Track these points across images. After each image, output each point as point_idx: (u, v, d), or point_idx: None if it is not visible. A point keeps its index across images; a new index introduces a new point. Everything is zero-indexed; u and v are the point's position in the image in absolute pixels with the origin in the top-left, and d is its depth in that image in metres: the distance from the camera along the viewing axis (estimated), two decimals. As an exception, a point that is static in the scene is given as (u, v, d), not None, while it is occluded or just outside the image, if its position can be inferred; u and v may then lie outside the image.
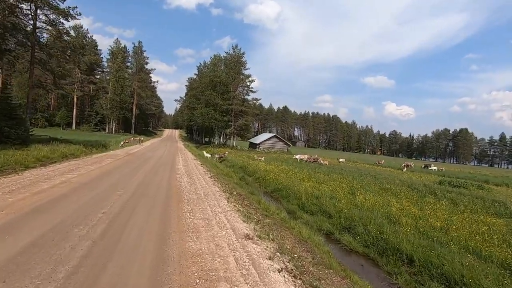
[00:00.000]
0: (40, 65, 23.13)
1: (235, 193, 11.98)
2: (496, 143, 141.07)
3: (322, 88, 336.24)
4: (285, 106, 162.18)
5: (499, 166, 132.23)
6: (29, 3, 20.77)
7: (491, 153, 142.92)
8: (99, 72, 71.36)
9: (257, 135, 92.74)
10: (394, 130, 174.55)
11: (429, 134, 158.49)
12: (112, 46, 67.10)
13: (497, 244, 7.58)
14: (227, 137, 56.33)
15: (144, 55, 72.41)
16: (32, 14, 21.78)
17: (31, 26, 22.05)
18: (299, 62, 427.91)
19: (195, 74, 70.25)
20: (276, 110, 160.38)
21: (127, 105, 63.11)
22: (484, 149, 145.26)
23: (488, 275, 5.78)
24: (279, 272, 4.65)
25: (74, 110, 60.60)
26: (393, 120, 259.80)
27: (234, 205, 9.19)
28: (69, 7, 22.18)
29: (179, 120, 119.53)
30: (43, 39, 24.11)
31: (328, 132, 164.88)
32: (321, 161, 33.18)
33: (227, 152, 29.02)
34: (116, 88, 59.35)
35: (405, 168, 39.17)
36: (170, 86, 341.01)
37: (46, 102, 59.62)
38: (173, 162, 19.10)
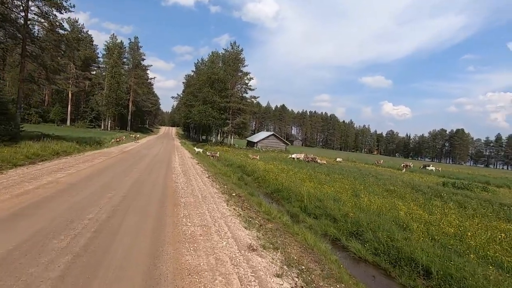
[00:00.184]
0: (31, 59, 22.23)
1: (234, 194, 11.37)
2: (492, 144, 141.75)
3: (321, 87, 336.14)
4: (283, 105, 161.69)
5: (495, 167, 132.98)
6: (19, -7, 19.90)
7: (487, 153, 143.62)
8: (95, 68, 70.08)
9: (254, 133, 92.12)
10: (391, 130, 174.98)
11: (426, 134, 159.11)
12: (108, 41, 66.03)
13: (518, 253, 7.05)
14: (225, 135, 55.60)
15: (141, 51, 71.33)
16: (24, 5, 20.91)
17: (22, 18, 21.18)
18: (298, 61, 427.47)
19: (192, 71, 69.38)
20: (273, 109, 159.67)
21: (123, 101, 62.04)
22: (480, 150, 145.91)
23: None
24: (289, 292, 4.05)
25: (69, 106, 59.43)
26: (390, 120, 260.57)
27: (234, 209, 8.58)
28: (62, -2, 21.32)
29: (176, 118, 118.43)
30: (35, 32, 23.28)
31: (326, 131, 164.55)
32: (319, 160, 32.50)
33: (218, 153, 28.56)
34: (112, 84, 58.29)
35: (404, 169, 38.79)
36: (168, 84, 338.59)
37: (40, 97, 58.29)
38: (169, 161, 18.42)
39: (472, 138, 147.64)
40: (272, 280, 4.24)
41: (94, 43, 69.00)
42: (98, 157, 16.46)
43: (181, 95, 79.07)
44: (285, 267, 4.93)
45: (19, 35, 21.34)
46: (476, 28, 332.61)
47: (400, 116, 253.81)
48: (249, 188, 15.08)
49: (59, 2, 21.36)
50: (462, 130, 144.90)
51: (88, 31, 68.31)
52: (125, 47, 68.63)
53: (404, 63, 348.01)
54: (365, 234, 8.44)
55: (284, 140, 63.52)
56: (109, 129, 60.67)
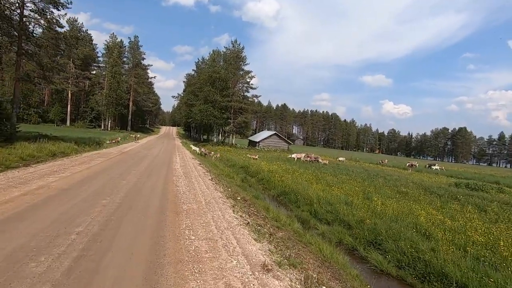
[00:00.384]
0: (27, 57, 21.50)
1: (239, 198, 10.63)
2: (495, 142, 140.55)
3: (321, 87, 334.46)
4: (284, 104, 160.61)
5: (498, 165, 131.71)
6: (14, -11, 19.18)
7: (490, 152, 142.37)
8: (95, 68, 69.38)
9: (255, 133, 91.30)
10: (392, 129, 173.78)
11: (427, 133, 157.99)
12: (108, 40, 65.28)
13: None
14: (226, 135, 54.83)
15: (141, 50, 70.48)
16: (19, 1, 20.18)
17: (18, 15, 20.47)
18: (297, 60, 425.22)
19: (193, 70, 68.54)
20: (274, 108, 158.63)
21: (123, 101, 61.25)
22: (482, 148, 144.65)
23: None
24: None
25: (69, 106, 58.72)
26: (390, 119, 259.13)
27: (240, 216, 7.83)
28: (59, -5, 20.57)
29: (176, 117, 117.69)
30: (32, 30, 22.53)
31: (327, 131, 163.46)
32: (320, 160, 31.46)
33: (212, 152, 28.55)
34: (112, 84, 57.53)
35: (410, 168, 38.00)
36: (168, 83, 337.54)
37: (39, 97, 57.53)
38: (170, 162, 17.68)
39: (475, 136, 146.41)
40: (296, 313, 3.48)
41: (94, 42, 68.35)
42: (96, 159, 15.74)
43: (182, 95, 78.24)
44: (306, 291, 4.19)
45: (14, 32, 20.67)
46: (476, 27, 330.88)
47: (401, 115, 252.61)
48: (253, 190, 14.36)
49: (55, -2, 20.60)
50: (465, 128, 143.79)
51: (87, 30, 67.72)
52: (125, 46, 67.87)
53: (404, 62, 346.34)
54: (385, 243, 7.70)
55: (287, 140, 62.69)
56: (109, 129, 59.96)
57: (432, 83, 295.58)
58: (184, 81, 78.03)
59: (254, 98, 55.14)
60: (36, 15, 21.33)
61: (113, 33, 67.35)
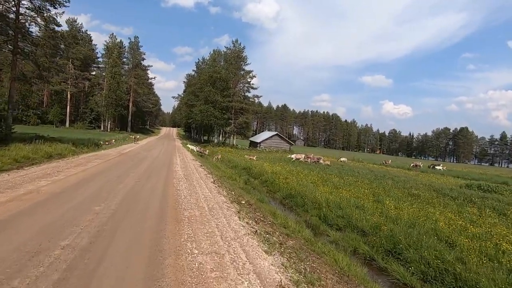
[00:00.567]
0: (23, 56, 20.89)
1: (243, 202, 9.98)
2: (496, 142, 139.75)
3: (320, 88, 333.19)
4: (285, 104, 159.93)
5: (500, 165, 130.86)
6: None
7: (492, 152, 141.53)
8: (95, 68, 68.78)
9: (256, 133, 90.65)
10: (393, 129, 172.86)
11: (428, 133, 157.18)
12: (108, 41, 64.72)
13: None
14: (227, 135, 54.16)
15: (141, 50, 69.90)
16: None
17: (14, 13, 19.88)
18: (297, 62, 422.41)
19: (193, 70, 67.91)
20: (275, 109, 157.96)
21: (123, 102, 60.60)
22: (484, 148, 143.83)
23: None
24: None
25: (68, 107, 58.10)
26: (390, 119, 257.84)
27: (247, 223, 7.17)
28: (56, -8, 19.98)
29: (177, 118, 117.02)
30: (28, 27, 21.93)
31: (328, 131, 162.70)
32: (323, 161, 30.54)
33: (208, 151, 30.95)
34: (112, 85, 56.89)
35: (415, 169, 37.30)
36: (168, 84, 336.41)
37: (38, 98, 56.94)
38: (170, 164, 17.02)
39: (476, 136, 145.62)
40: None
41: (93, 43, 67.82)
42: (93, 160, 15.09)
43: (182, 95, 77.58)
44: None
45: (10, 31, 20.09)
46: (476, 27, 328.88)
47: (401, 115, 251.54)
48: (257, 193, 13.72)
49: (52, -5, 20.01)
50: (466, 128, 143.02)
51: (87, 30, 67.21)
52: (125, 47, 67.31)
53: (403, 62, 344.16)
54: (406, 252, 7.02)
55: (288, 140, 62.02)
56: (109, 130, 59.32)
57: (432, 83, 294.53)
58: (184, 82, 77.44)
59: (255, 98, 54.51)
60: (32, 13, 20.77)
61: (113, 33, 66.87)
